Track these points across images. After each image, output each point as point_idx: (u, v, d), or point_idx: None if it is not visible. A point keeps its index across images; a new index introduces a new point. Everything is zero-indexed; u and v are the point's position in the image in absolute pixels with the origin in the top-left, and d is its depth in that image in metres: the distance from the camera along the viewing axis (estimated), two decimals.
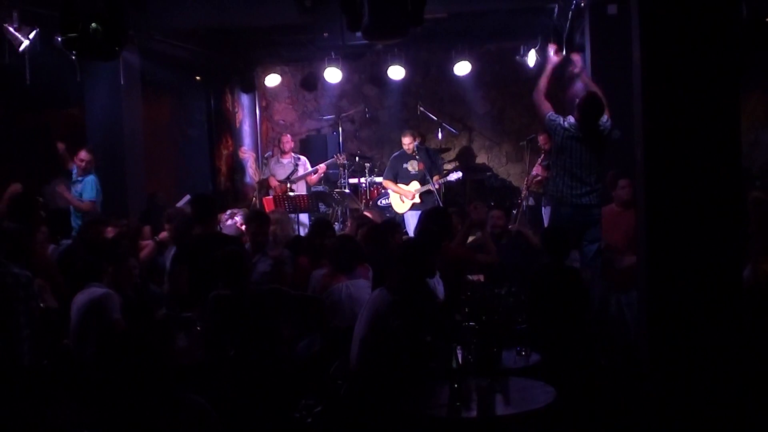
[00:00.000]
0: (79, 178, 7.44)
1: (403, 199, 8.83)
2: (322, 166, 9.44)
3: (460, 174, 8.90)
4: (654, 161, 3.84)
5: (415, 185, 8.74)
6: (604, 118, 5.74)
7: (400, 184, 8.86)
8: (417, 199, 8.72)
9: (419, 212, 8.26)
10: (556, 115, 5.77)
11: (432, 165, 8.92)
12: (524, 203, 9.06)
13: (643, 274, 3.99)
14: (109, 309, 4.40)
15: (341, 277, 4.86)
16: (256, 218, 5.82)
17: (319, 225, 6.05)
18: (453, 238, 5.60)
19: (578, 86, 6.40)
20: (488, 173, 10.86)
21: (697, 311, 3.70)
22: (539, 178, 8.80)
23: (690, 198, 3.76)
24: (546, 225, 7.52)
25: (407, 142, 8.77)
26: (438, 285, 4.92)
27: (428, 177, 8.56)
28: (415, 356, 3.84)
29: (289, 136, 9.82)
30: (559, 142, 5.74)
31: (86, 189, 7.38)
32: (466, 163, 10.87)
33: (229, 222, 7.22)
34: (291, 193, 8.98)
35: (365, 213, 7.18)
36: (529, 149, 9.81)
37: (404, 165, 8.83)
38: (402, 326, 3.88)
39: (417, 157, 8.72)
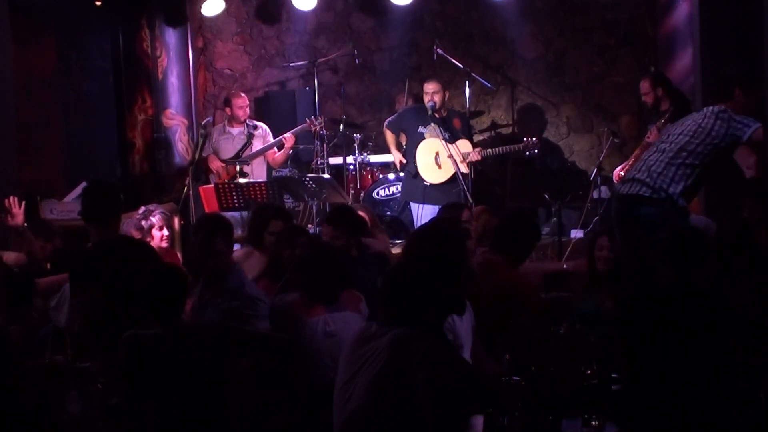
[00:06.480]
0: None
1: (440, 162, 8.76)
2: (288, 137, 9.39)
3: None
4: None
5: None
6: None
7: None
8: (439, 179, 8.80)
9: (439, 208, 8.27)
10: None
11: (468, 137, 9.01)
12: (593, 191, 9.02)
13: None
14: None
15: (317, 308, 4.87)
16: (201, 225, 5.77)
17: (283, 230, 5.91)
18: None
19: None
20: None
21: None
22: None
23: None
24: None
25: (431, 90, 8.78)
26: (467, 315, 4.94)
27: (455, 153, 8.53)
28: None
29: (244, 95, 9.79)
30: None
31: None
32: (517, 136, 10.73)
33: (145, 224, 7.18)
34: (242, 180, 8.97)
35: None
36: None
37: (420, 128, 8.89)
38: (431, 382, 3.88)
39: (443, 121, 8.75)
